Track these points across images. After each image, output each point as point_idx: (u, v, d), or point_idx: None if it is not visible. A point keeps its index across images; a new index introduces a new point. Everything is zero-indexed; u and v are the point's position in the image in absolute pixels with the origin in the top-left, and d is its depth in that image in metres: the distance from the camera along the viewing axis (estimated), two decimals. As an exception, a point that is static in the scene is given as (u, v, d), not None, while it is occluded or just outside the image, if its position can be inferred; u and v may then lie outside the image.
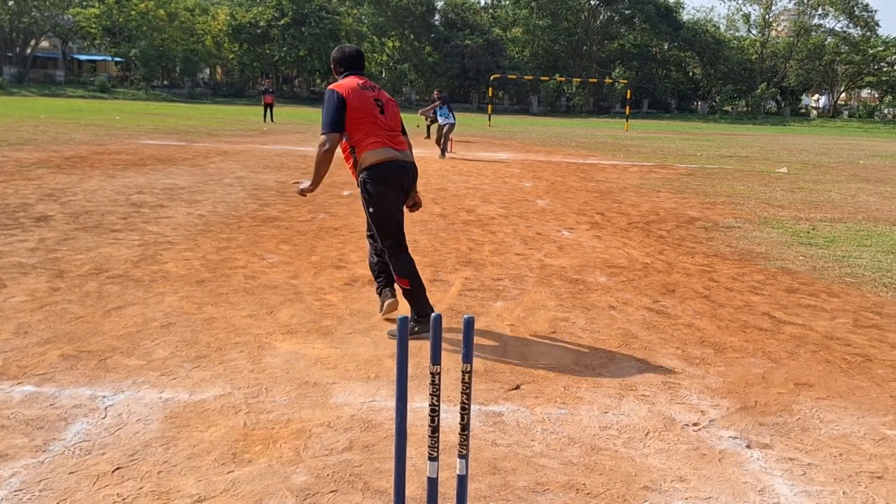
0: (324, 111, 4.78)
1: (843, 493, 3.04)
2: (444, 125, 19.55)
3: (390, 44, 76.57)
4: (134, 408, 3.53)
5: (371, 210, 4.82)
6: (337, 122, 4.70)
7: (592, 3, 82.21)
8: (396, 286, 5.04)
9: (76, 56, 75.28)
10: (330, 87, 4.87)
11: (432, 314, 2.31)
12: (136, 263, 6.35)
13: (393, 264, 4.90)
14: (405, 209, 5.05)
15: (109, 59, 71.50)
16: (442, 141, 19.31)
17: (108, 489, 2.83)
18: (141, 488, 2.84)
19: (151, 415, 3.47)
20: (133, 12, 65.49)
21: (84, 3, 68.06)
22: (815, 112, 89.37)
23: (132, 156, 15.38)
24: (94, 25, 67.02)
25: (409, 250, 5.04)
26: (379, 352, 4.46)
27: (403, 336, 2.32)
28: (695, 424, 3.63)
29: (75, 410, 3.47)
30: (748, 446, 3.42)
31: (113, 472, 2.95)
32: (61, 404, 3.53)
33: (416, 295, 4.89)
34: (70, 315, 4.88)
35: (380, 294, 5.15)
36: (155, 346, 4.39)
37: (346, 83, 4.84)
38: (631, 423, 3.61)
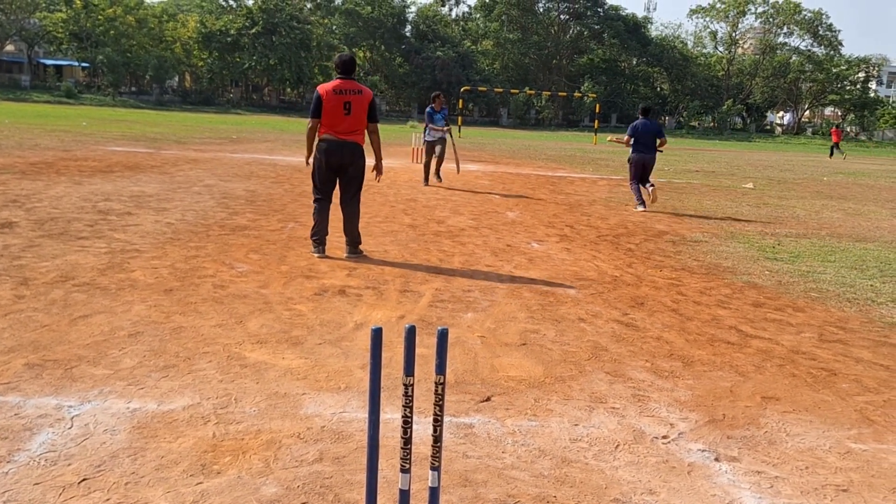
0: (312, 102, 7.27)
1: (810, 505, 3.07)
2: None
3: (361, 54, 76.53)
4: (101, 418, 3.48)
5: (314, 168, 7.46)
6: (315, 112, 7.18)
7: (562, 17, 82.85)
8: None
9: (42, 60, 74.29)
10: (318, 86, 7.30)
11: (406, 325, 2.31)
12: (103, 271, 6.28)
13: (314, 208, 7.53)
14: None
15: (76, 64, 70.61)
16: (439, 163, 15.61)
17: (74, 501, 2.79)
18: (108, 500, 2.80)
19: (119, 425, 3.42)
20: (100, 17, 64.76)
21: (51, 7, 67.19)
22: (779, 129, 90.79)
23: (99, 162, 15.21)
24: (60, 30, 66.14)
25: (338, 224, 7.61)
26: (349, 362, 4.45)
27: (377, 348, 2.31)
28: (664, 437, 3.66)
29: (41, 420, 3.42)
30: (717, 459, 3.46)
31: (79, 483, 2.91)
32: (26, 414, 3.47)
33: (314, 231, 7.49)
34: (35, 323, 4.81)
35: (315, 244, 7.52)
36: (122, 355, 4.34)
37: (328, 86, 7.21)
38: (601, 436, 3.63)
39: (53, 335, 4.60)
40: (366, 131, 7.44)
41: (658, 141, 12.86)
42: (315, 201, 7.52)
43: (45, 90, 63.32)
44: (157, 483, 2.94)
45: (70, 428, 3.36)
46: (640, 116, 13.02)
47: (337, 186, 7.54)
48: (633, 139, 12.82)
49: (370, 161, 7.48)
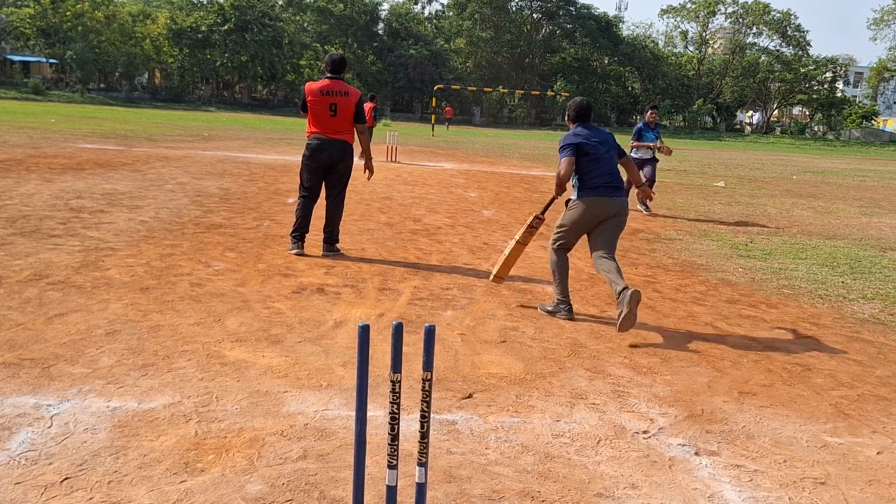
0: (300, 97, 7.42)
1: (789, 498, 3.12)
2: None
3: (333, 52, 76.20)
4: (80, 417, 3.45)
5: (301, 167, 7.48)
6: (302, 106, 7.36)
7: (535, 16, 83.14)
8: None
9: (9, 56, 73.16)
10: (307, 83, 7.51)
11: (393, 322, 2.32)
12: (78, 270, 6.21)
13: (298, 204, 7.48)
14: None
15: (44, 60, 69.61)
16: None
17: (56, 500, 2.76)
18: (91, 499, 2.78)
19: (99, 424, 3.39)
20: (68, 13, 63.87)
21: (18, 2, 66.17)
22: (749, 128, 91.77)
23: (69, 160, 15.03)
24: (27, 26, 65.16)
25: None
26: (330, 360, 4.44)
27: (364, 344, 2.32)
28: (644, 432, 3.70)
29: (19, 419, 3.38)
30: (696, 453, 3.50)
31: (61, 482, 2.88)
32: (4, 413, 3.43)
33: (295, 227, 7.45)
34: (10, 322, 4.75)
35: (293, 240, 7.47)
36: (100, 353, 4.30)
37: (315, 85, 7.32)
38: (583, 431, 3.66)
39: (29, 334, 4.55)
40: (354, 131, 7.45)
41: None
42: (300, 198, 7.49)
43: (11, 87, 62.33)
44: (140, 481, 2.93)
45: (50, 427, 3.33)
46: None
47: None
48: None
49: (359, 161, 7.57)
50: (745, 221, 12.12)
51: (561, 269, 5.77)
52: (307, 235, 7.55)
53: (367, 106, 20.63)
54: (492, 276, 6.27)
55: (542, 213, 6.10)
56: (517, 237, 6.12)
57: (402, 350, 2.32)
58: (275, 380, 4.08)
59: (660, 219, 11.85)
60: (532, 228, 6.09)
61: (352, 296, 5.98)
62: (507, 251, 6.17)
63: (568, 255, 5.85)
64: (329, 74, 7.34)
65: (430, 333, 2.35)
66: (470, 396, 4.03)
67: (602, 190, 5.65)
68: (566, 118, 5.99)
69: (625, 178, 6.22)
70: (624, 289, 5.19)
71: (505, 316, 5.66)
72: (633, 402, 4.10)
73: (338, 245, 7.62)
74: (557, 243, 5.78)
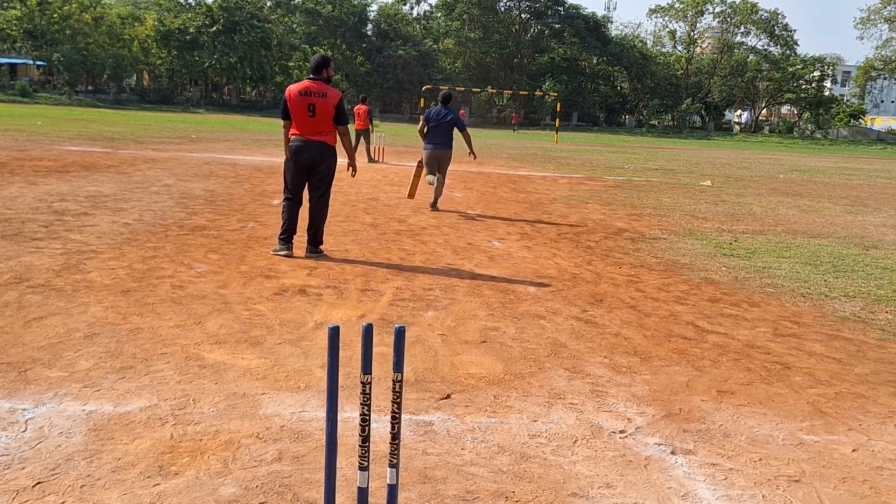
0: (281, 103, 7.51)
1: (763, 496, 3.13)
2: None
3: (322, 53, 76.02)
4: (56, 420, 3.44)
5: (284, 168, 7.54)
6: (283, 113, 7.44)
7: (523, 16, 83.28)
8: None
9: (-5, 59, 72.77)
10: (288, 87, 7.58)
11: (363, 324, 2.32)
12: (59, 272, 6.18)
13: (282, 207, 7.55)
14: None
15: (31, 62, 69.27)
16: None
17: (27, 504, 2.75)
18: (63, 503, 2.77)
19: (74, 427, 3.38)
20: (56, 15, 63.57)
21: (4, 4, 65.82)
22: (737, 127, 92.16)
23: (55, 162, 14.96)
24: (14, 28, 64.83)
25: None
26: (309, 362, 4.44)
27: (334, 346, 2.32)
28: (621, 432, 3.71)
29: (-7, 424, 3.37)
30: (672, 452, 3.51)
31: (34, 486, 2.87)
32: (-22, 418, 3.42)
33: (283, 230, 7.46)
34: (-12, 326, 4.73)
35: (281, 242, 7.47)
36: (78, 357, 4.28)
37: (294, 87, 7.34)
38: (559, 431, 3.67)
39: (7, 337, 4.52)
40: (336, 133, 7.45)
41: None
42: (284, 200, 7.51)
43: (-2, 89, 61.98)
44: (113, 485, 2.92)
45: (24, 431, 3.32)
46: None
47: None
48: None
49: (343, 161, 7.65)
50: (730, 220, 12.17)
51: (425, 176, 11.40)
52: (294, 237, 7.54)
53: (361, 108, 20.67)
54: (407, 196, 11.84)
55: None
56: (414, 173, 11.58)
57: (372, 351, 2.33)
58: (253, 382, 4.08)
59: (644, 217, 11.88)
60: (419, 168, 11.62)
61: (333, 297, 5.98)
62: (410, 182, 11.63)
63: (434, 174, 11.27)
64: (310, 76, 7.37)
65: (399, 335, 2.36)
66: (448, 397, 4.03)
67: (430, 146, 11.28)
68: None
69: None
70: (433, 207, 11.39)
71: (486, 316, 5.67)
72: (611, 401, 4.11)
73: (321, 246, 7.61)
74: (421, 165, 11.47)
